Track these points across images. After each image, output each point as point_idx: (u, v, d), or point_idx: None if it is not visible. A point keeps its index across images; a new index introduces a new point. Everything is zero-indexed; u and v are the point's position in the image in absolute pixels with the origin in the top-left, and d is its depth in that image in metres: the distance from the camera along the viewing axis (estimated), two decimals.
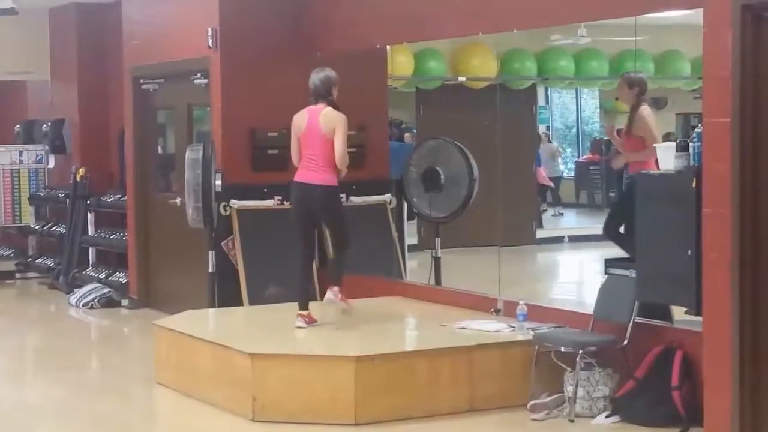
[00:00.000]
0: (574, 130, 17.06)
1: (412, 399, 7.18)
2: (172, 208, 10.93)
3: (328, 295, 8.13)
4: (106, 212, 12.90)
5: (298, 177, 8.13)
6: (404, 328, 8.47)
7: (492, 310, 8.45)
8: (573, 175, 16.47)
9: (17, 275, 14.28)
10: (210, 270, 10.05)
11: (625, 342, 7.13)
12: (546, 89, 14.05)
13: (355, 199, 10.30)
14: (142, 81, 11.66)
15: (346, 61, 10.14)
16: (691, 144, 6.86)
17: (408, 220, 10.42)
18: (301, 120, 8.09)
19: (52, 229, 13.78)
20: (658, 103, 14.19)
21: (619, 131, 8.65)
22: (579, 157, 16.42)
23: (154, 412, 8.19)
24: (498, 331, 7.78)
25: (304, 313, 8.12)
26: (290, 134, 7.95)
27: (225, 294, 9.94)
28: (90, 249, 13.07)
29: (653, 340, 7.12)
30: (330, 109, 7.99)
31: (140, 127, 11.89)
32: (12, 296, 13.59)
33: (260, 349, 7.36)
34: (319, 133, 7.97)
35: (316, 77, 8.08)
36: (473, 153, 9.55)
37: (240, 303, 9.86)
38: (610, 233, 8.34)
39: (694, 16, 6.61)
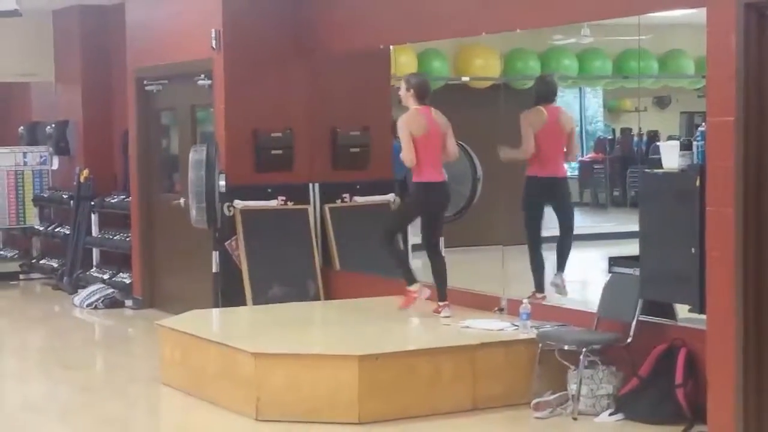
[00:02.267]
0: (577, 129, 17.00)
1: (415, 398, 7.19)
2: (175, 209, 10.94)
3: (445, 312, 8.27)
4: (110, 213, 12.90)
5: (433, 178, 8.23)
6: (407, 327, 8.47)
7: (495, 308, 8.45)
8: (577, 174, 16.43)
9: (21, 276, 14.28)
10: (214, 270, 10.06)
11: (629, 340, 7.13)
12: None
13: (359, 199, 10.34)
14: (145, 82, 11.67)
15: (349, 62, 10.19)
16: (694, 142, 6.87)
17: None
18: (419, 121, 8.20)
19: (56, 230, 13.78)
20: (662, 102, 14.19)
21: None
22: (582, 156, 16.41)
23: (159, 412, 8.19)
24: (501, 329, 7.77)
25: (414, 288, 8.32)
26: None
27: (229, 294, 9.95)
28: (94, 250, 13.08)
29: (657, 338, 7.12)
30: (435, 109, 8.26)
31: (144, 129, 11.89)
32: (16, 297, 13.60)
33: (264, 349, 7.36)
34: (440, 132, 8.22)
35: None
36: (477, 152, 9.56)
37: (244, 303, 9.87)
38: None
39: (697, 15, 6.60)
